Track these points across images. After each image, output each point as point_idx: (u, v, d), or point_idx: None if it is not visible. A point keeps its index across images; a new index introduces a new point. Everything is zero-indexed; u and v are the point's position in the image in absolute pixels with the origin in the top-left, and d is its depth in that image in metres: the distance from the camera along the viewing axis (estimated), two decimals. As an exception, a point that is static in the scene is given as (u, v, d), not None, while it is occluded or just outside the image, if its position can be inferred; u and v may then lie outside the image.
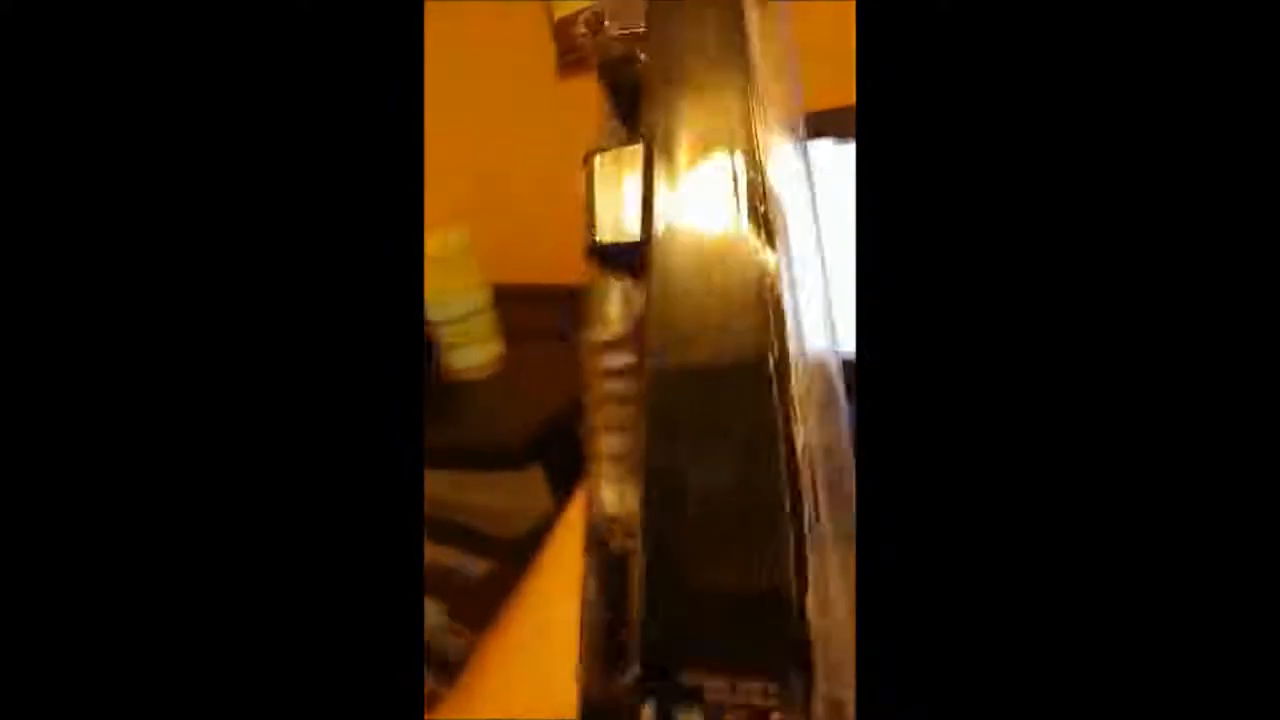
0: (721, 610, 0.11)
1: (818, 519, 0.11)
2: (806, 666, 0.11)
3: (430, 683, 0.29)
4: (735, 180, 0.13)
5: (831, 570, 0.12)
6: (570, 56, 0.79)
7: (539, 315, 0.63)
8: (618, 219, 0.14)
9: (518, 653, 0.22)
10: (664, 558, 0.11)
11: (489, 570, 0.42)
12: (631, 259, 0.14)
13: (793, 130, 0.15)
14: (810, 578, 0.11)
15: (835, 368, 0.14)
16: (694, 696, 0.11)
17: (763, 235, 0.13)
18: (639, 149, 0.14)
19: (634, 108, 0.15)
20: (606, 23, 0.15)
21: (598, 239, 0.14)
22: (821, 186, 0.22)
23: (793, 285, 0.13)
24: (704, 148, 0.13)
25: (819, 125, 0.51)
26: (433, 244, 0.66)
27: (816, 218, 0.15)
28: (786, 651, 0.11)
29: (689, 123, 0.14)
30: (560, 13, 0.77)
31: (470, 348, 0.70)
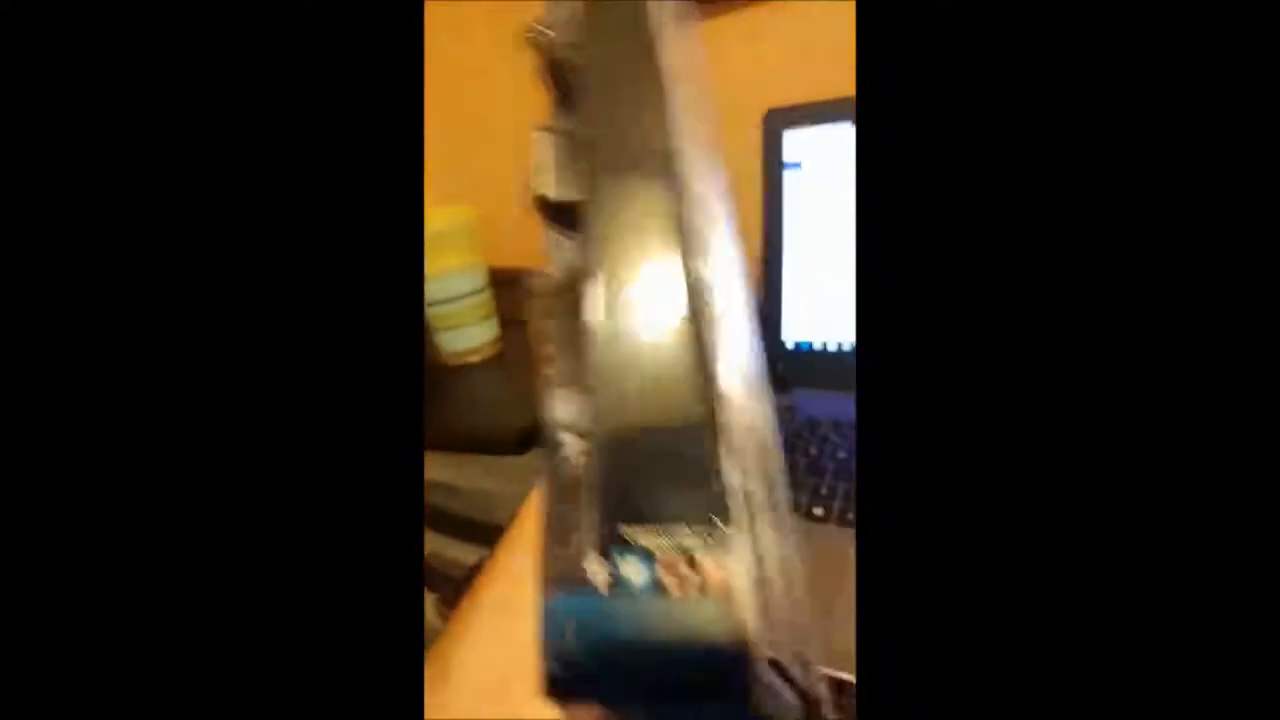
0: (654, 485, 0.13)
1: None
2: (725, 518, 0.13)
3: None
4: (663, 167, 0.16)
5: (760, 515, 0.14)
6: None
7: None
8: (560, 181, 0.17)
9: (487, 623, 0.23)
10: (608, 463, 0.14)
11: (481, 558, 0.41)
12: (571, 214, 0.16)
13: (710, 142, 0.17)
14: (722, 448, 0.13)
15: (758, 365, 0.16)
16: (633, 548, 0.13)
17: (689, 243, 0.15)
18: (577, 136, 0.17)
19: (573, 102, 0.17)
20: (550, 32, 0.18)
21: (542, 194, 0.17)
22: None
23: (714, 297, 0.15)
24: (632, 156, 0.16)
25: (840, 110, 0.51)
26: (435, 219, 0.65)
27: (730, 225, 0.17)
28: (707, 505, 0.13)
29: (618, 132, 0.17)
30: None
31: (467, 330, 0.69)
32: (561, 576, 0.13)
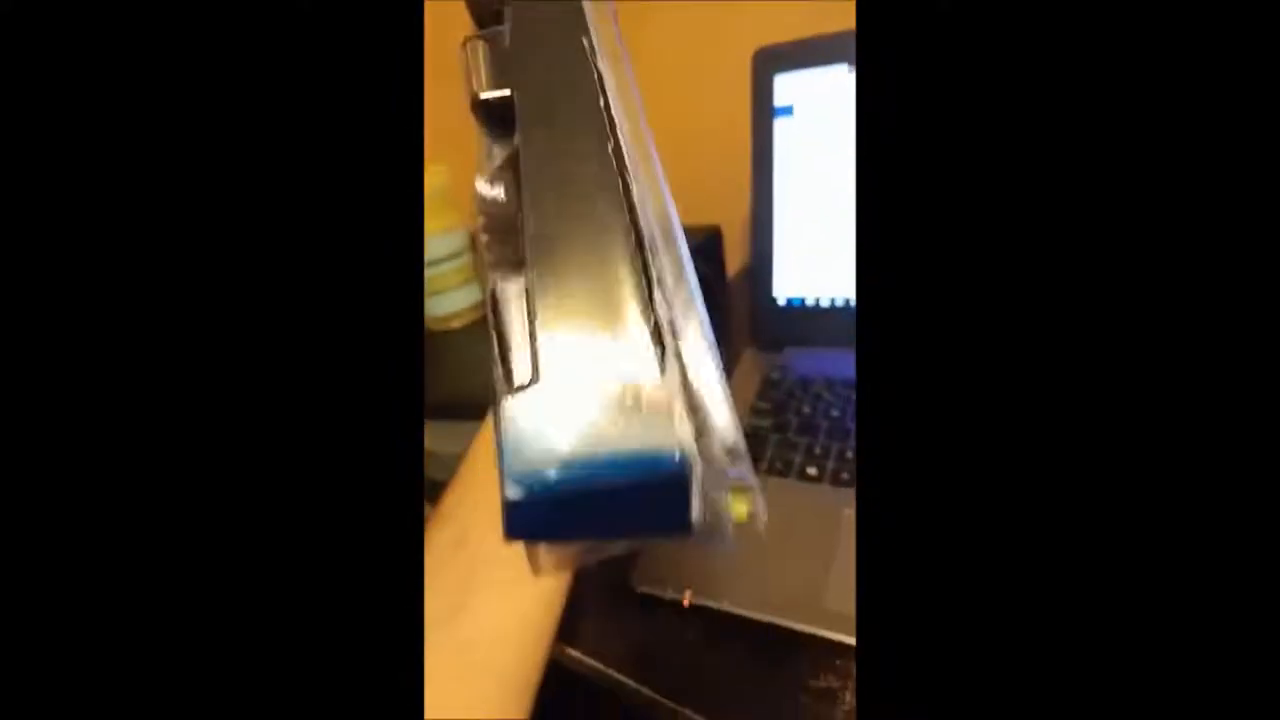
0: (595, 321, 0.15)
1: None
2: (662, 347, 0.15)
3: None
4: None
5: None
6: None
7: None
8: (490, 80, 0.18)
9: (438, 565, 0.23)
10: (549, 304, 0.15)
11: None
12: (505, 112, 0.18)
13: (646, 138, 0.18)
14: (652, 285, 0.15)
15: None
16: (583, 378, 0.14)
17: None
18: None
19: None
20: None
21: (478, 94, 0.18)
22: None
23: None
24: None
25: (836, 50, 0.48)
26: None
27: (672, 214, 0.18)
28: (645, 342, 0.15)
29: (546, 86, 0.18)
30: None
31: (449, 294, 0.67)
32: (514, 409, 0.14)
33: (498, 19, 0.19)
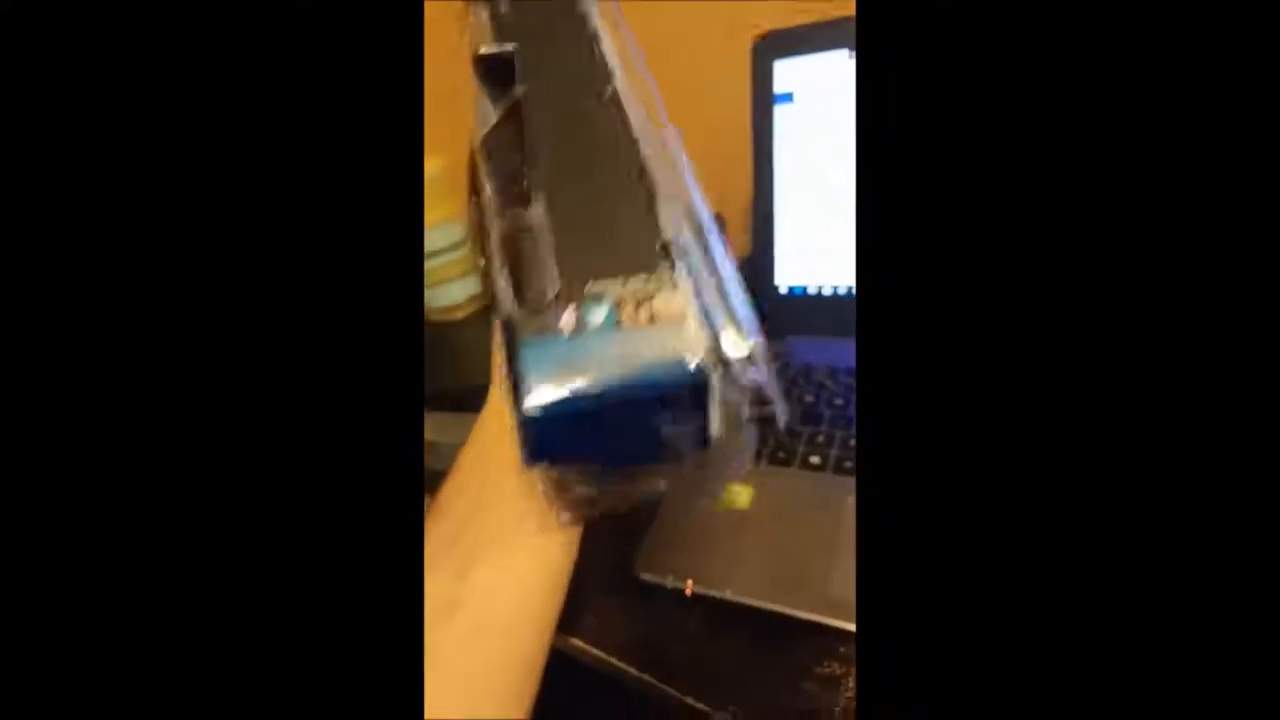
0: (607, 241, 0.15)
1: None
2: (671, 262, 0.15)
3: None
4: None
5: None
6: None
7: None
8: (496, 40, 0.19)
9: (437, 556, 0.23)
10: (562, 233, 0.16)
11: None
12: (504, 70, 0.18)
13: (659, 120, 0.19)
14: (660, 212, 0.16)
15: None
16: (598, 297, 0.15)
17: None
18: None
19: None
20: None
21: (479, 51, 0.19)
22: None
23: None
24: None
25: (835, 36, 0.47)
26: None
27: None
28: (656, 254, 0.15)
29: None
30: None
31: (450, 285, 0.67)
32: (530, 330, 0.14)
33: None
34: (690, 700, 0.30)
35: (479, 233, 0.21)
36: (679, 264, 0.15)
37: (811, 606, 0.31)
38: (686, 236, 0.16)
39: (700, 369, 0.14)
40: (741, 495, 0.38)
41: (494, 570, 0.23)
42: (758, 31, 0.50)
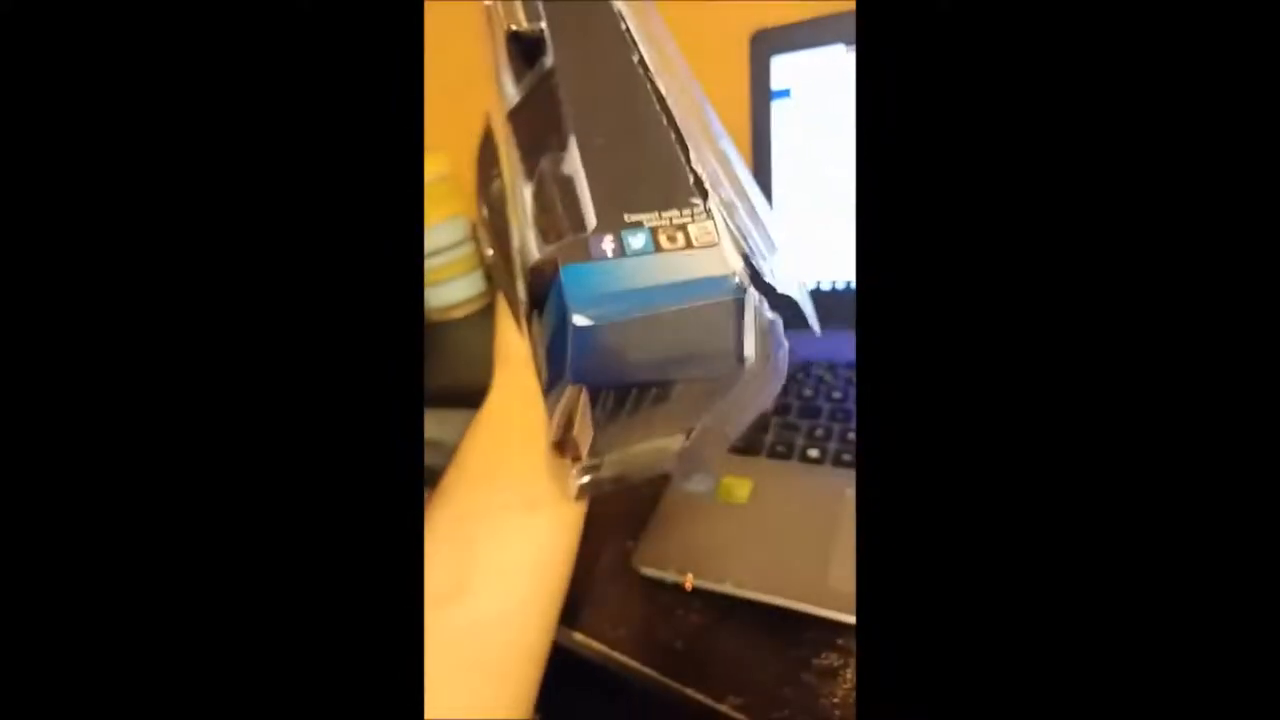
0: (640, 180, 0.16)
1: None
2: (704, 195, 0.16)
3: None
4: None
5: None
6: None
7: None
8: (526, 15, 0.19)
9: (438, 547, 0.23)
10: (596, 175, 0.16)
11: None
12: (534, 46, 0.19)
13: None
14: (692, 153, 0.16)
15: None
16: (634, 227, 0.15)
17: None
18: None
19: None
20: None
21: (511, 27, 0.19)
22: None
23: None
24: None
25: (832, 30, 0.47)
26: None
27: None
28: (689, 190, 0.16)
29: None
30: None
31: (452, 283, 0.67)
32: (566, 249, 0.15)
33: None
34: (690, 692, 0.30)
35: (490, 213, 0.21)
36: (711, 195, 0.16)
37: (810, 599, 0.32)
38: (713, 165, 0.16)
39: (738, 285, 0.15)
40: (741, 489, 0.38)
41: (497, 558, 0.23)
42: (755, 27, 0.50)
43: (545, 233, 0.16)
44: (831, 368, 0.47)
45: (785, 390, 0.46)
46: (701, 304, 0.15)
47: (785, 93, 0.50)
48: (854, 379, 0.45)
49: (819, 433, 0.42)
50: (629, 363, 0.15)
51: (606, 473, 0.20)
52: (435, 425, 0.54)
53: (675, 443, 0.20)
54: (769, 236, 0.17)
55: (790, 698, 0.29)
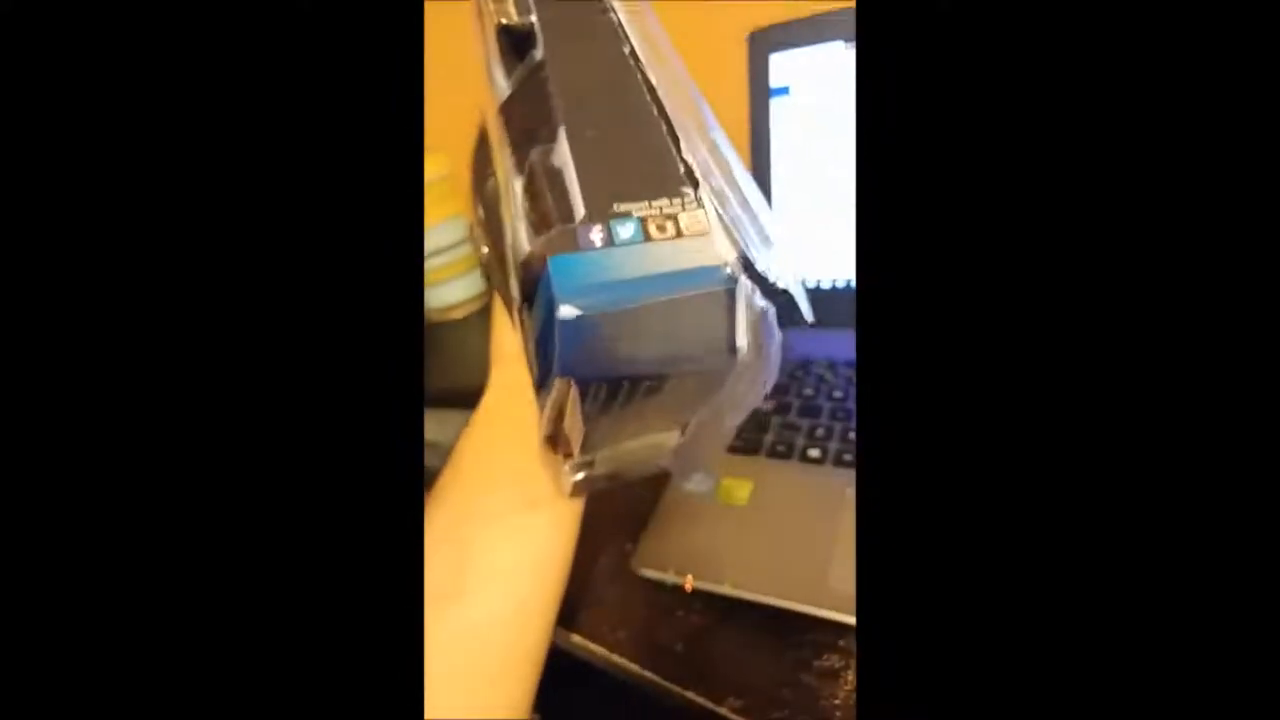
0: (630, 170, 0.16)
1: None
2: (694, 184, 0.16)
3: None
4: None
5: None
6: None
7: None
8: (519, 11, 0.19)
9: (435, 548, 0.23)
10: (585, 165, 0.15)
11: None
12: (525, 40, 0.18)
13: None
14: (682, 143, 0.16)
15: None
16: (624, 217, 0.15)
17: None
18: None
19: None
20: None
21: (501, 21, 0.18)
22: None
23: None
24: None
25: (831, 27, 0.47)
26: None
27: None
28: (679, 179, 0.16)
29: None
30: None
31: (451, 284, 0.67)
32: (555, 239, 0.14)
33: None
34: (690, 695, 0.30)
35: (485, 211, 0.21)
36: (702, 184, 0.15)
37: (811, 600, 0.31)
38: (704, 156, 0.16)
39: (730, 275, 0.15)
40: (741, 490, 0.38)
41: (493, 560, 0.23)
42: (753, 26, 0.49)
43: (535, 225, 0.16)
44: (831, 366, 0.47)
45: (785, 389, 0.46)
46: (692, 294, 0.15)
47: (784, 90, 0.50)
48: (854, 378, 0.45)
49: (819, 432, 0.41)
50: (618, 355, 0.15)
51: (601, 469, 0.20)
52: (434, 426, 0.54)
53: (671, 438, 0.20)
54: (762, 228, 0.16)
55: (790, 699, 0.29)
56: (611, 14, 0.18)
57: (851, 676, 0.29)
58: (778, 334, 0.16)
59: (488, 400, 0.25)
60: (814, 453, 0.40)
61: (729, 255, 0.15)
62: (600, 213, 0.15)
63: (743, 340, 0.15)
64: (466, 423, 0.30)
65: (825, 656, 0.30)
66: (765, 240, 0.16)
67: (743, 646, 0.32)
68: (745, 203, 0.17)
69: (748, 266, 0.15)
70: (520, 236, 0.16)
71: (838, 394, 0.44)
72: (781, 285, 0.16)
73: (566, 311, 0.14)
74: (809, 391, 0.45)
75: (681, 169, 0.16)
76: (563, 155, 0.16)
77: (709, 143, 0.17)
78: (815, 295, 0.52)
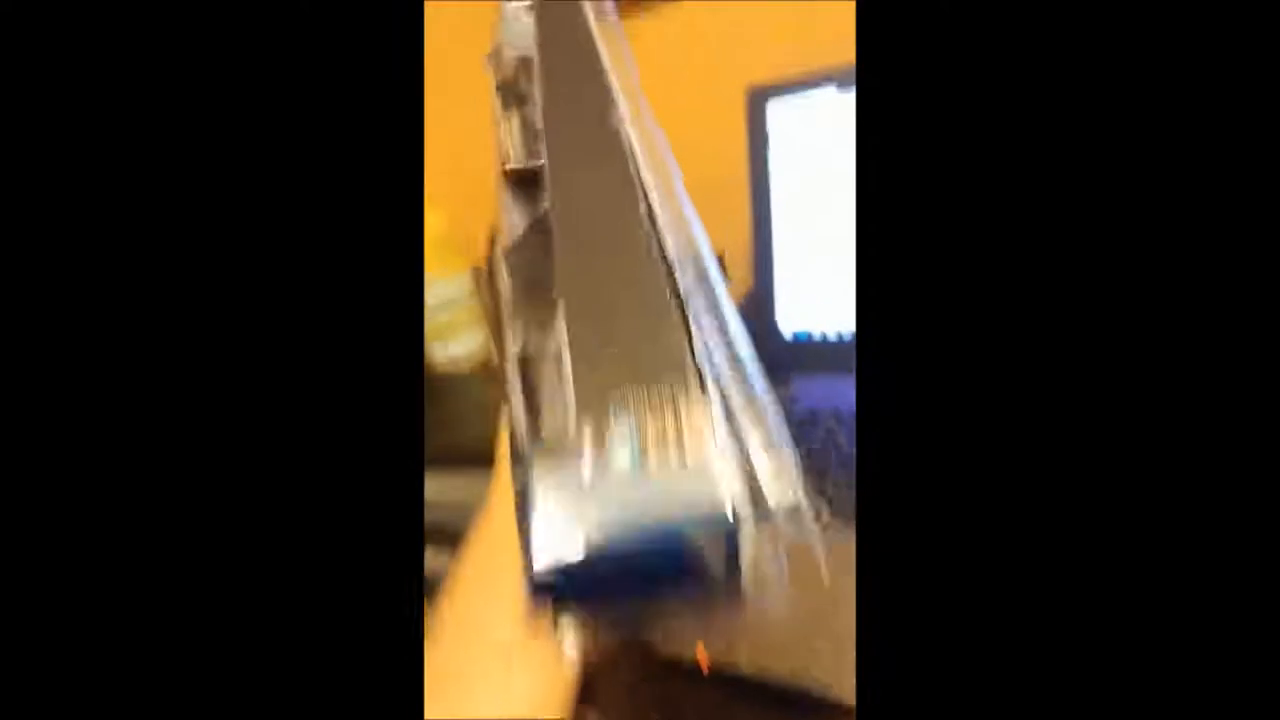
0: (629, 353, 0.15)
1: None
2: (699, 376, 0.14)
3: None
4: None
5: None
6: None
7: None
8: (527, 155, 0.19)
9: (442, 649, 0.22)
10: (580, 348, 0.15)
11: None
12: (533, 183, 0.18)
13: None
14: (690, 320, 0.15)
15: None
16: (620, 414, 0.14)
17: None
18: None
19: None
20: (508, 49, 0.21)
21: (508, 166, 0.19)
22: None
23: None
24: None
25: (823, 74, 0.48)
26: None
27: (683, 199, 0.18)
28: (685, 378, 0.14)
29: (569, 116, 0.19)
30: None
31: (452, 339, 0.67)
32: (547, 475, 0.13)
33: (522, 100, 0.20)
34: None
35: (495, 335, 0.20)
36: (705, 369, 0.14)
37: (819, 677, 0.30)
38: (716, 341, 0.15)
39: (734, 520, 0.13)
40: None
41: (492, 705, 0.22)
42: (750, 79, 0.50)
43: (532, 413, 0.15)
44: (838, 417, 0.46)
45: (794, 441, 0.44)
46: (689, 543, 0.13)
47: (781, 137, 0.50)
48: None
49: (829, 491, 0.40)
50: (598, 597, 0.14)
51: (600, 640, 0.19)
52: (435, 485, 0.52)
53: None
54: (769, 432, 0.15)
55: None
56: (629, 160, 0.18)
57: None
58: (784, 559, 0.15)
59: (487, 525, 0.24)
60: (822, 509, 0.39)
61: (735, 488, 0.13)
62: (592, 409, 0.14)
63: (748, 577, 0.14)
64: (466, 482, 0.29)
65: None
66: (771, 445, 0.15)
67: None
68: (752, 397, 0.15)
69: (754, 492, 0.14)
70: (515, 419, 0.15)
71: (845, 448, 0.43)
72: (785, 507, 0.14)
73: (544, 571, 0.13)
74: (816, 446, 0.44)
75: (689, 358, 0.14)
76: (558, 336, 0.15)
77: (718, 317, 0.16)
78: (821, 345, 0.51)
